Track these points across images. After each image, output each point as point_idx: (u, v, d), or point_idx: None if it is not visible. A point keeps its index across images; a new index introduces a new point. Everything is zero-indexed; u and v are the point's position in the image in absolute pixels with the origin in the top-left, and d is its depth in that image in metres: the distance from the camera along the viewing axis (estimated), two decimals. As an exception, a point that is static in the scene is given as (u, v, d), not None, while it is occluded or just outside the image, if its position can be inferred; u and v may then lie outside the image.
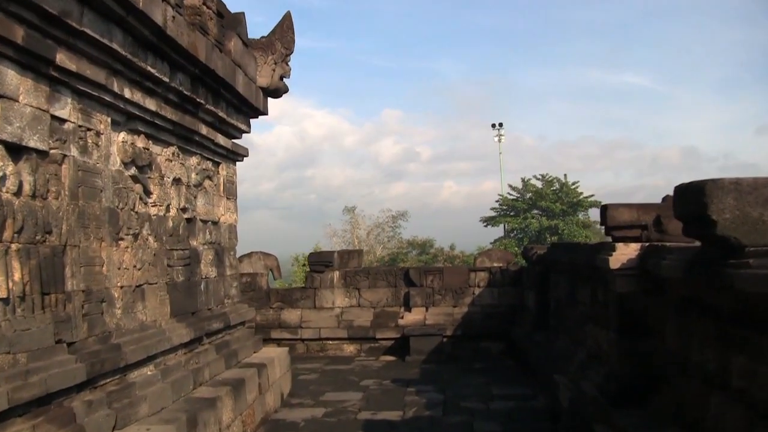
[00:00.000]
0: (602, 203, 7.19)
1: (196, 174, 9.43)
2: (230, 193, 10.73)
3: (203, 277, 9.52)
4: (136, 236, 7.57)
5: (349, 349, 15.76)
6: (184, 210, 8.96)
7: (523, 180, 51.84)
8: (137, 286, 7.55)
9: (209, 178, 9.97)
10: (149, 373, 7.50)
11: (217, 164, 10.29)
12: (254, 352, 10.84)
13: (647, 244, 6.91)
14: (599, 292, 8.04)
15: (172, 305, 8.38)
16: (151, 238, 7.95)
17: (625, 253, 6.90)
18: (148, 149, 7.95)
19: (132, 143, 7.57)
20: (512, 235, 49.73)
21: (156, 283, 8.01)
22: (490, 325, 15.43)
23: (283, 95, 11.88)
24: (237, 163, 11.15)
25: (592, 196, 49.23)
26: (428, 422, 9.53)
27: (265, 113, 11.39)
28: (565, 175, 50.44)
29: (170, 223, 8.49)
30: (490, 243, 46.97)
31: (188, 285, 8.92)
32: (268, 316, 16.13)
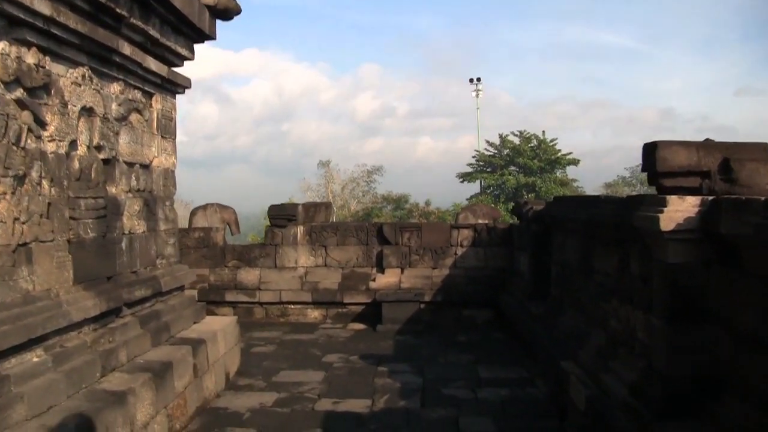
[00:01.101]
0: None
1: (119, 105, 7.45)
2: (167, 131, 8.75)
3: (125, 232, 7.57)
4: (20, 179, 5.61)
5: (314, 314, 13.91)
6: (98, 148, 7.00)
7: (500, 136, 50.85)
8: (21, 245, 5.62)
9: (138, 111, 7.99)
10: (35, 360, 5.61)
11: (149, 95, 8.31)
12: (194, 323, 8.94)
13: (711, 197, 5.03)
14: (633, 261, 6.19)
15: (76, 269, 6.43)
16: (45, 183, 5.99)
17: (680, 209, 5.01)
18: (43, 67, 5.97)
19: (17, 57, 5.60)
20: (488, 191, 48.45)
21: (52, 241, 6.05)
22: (475, 291, 13.62)
23: (235, 18, 9.81)
24: (177, 95, 9.16)
25: (570, 153, 48.42)
26: (403, 416, 7.69)
27: (212, 37, 9.35)
28: (543, 132, 49.53)
29: (76, 164, 6.51)
30: (466, 199, 46.54)
31: (102, 243, 6.97)
32: (223, 276, 14.20)
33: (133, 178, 7.80)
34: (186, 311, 8.74)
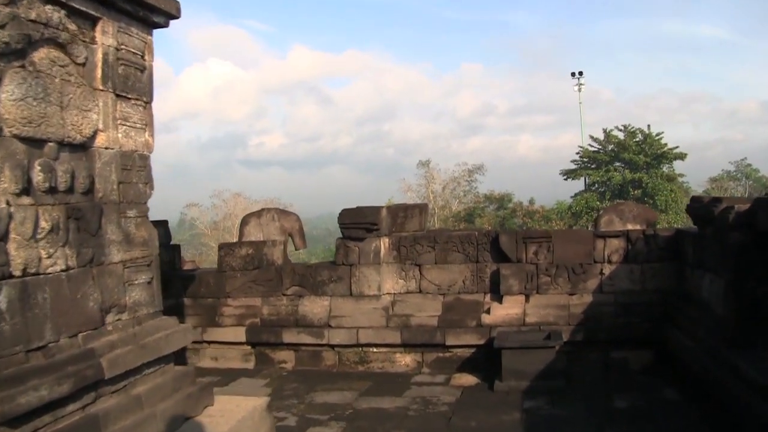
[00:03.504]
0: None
1: None
2: (130, 85, 5.07)
3: (14, 273, 3.92)
4: None
5: (404, 360, 10.02)
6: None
7: (604, 131, 47.64)
8: None
9: (56, 44, 4.36)
10: None
11: (86, 19, 4.67)
12: (188, 419, 5.21)
13: None
14: None
15: None
16: None
17: None
18: None
19: None
20: (593, 188, 46.11)
21: None
22: (628, 324, 9.51)
23: None
24: (156, 29, 5.48)
25: (677, 147, 45.02)
26: None
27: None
28: (649, 125, 46.32)
29: None
30: (570, 197, 45.45)
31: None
32: (280, 308, 10.48)
33: (38, 167, 4.13)
34: (167, 403, 5.00)
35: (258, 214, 11.38)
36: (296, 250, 11.75)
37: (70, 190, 4.40)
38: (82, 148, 4.57)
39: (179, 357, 5.72)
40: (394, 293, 10.41)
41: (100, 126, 4.73)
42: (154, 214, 5.66)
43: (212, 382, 9.38)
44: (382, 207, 10.65)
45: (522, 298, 9.94)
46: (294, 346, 10.27)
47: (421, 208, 11.27)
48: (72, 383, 4.08)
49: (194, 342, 10.76)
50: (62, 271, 4.29)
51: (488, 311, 9.93)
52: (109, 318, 4.76)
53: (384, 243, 10.43)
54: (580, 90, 54.03)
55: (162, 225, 11.56)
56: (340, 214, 10.46)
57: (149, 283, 5.23)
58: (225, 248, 10.89)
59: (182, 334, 5.42)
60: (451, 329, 9.81)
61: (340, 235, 10.64)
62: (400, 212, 10.94)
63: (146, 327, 5.09)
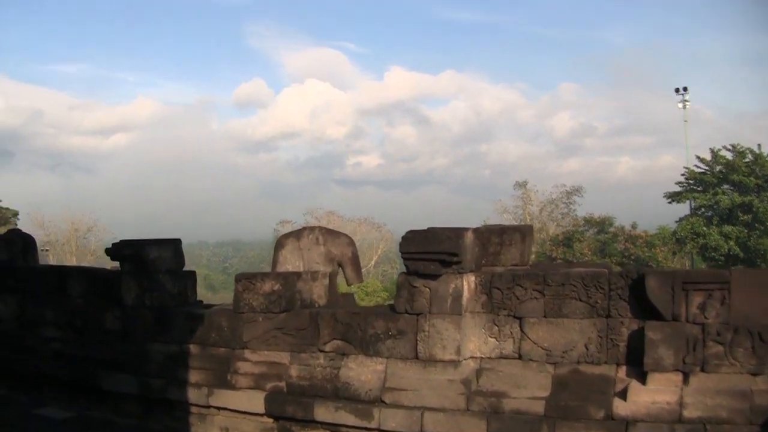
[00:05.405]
0: None
1: None
2: None
3: None
4: None
5: (491, 464, 6.76)
6: None
7: (712, 151, 44.95)
8: None
9: None
10: None
11: None
12: None
13: None
14: None
15: None
16: None
17: None
18: None
19: None
20: (699, 212, 43.90)
21: None
22: None
23: None
24: None
25: None
26: None
27: None
28: (759, 145, 43.59)
29: None
30: (675, 221, 43.84)
31: None
32: (315, 369, 7.36)
33: None
34: None
35: (297, 234, 8.34)
36: (348, 285, 8.66)
37: None
38: None
39: None
40: (481, 358, 7.14)
41: None
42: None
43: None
44: (467, 229, 7.30)
45: (678, 377, 6.49)
46: (331, 427, 7.14)
47: (524, 232, 7.98)
48: None
49: (200, 406, 7.92)
50: None
51: (623, 395, 6.54)
52: None
53: (468, 282, 7.15)
54: (684, 107, 52.72)
55: (172, 244, 8.73)
56: (403, 238, 7.10)
57: None
58: (243, 280, 7.74)
59: None
60: (566, 421, 6.47)
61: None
62: (494, 237, 7.70)
63: None
